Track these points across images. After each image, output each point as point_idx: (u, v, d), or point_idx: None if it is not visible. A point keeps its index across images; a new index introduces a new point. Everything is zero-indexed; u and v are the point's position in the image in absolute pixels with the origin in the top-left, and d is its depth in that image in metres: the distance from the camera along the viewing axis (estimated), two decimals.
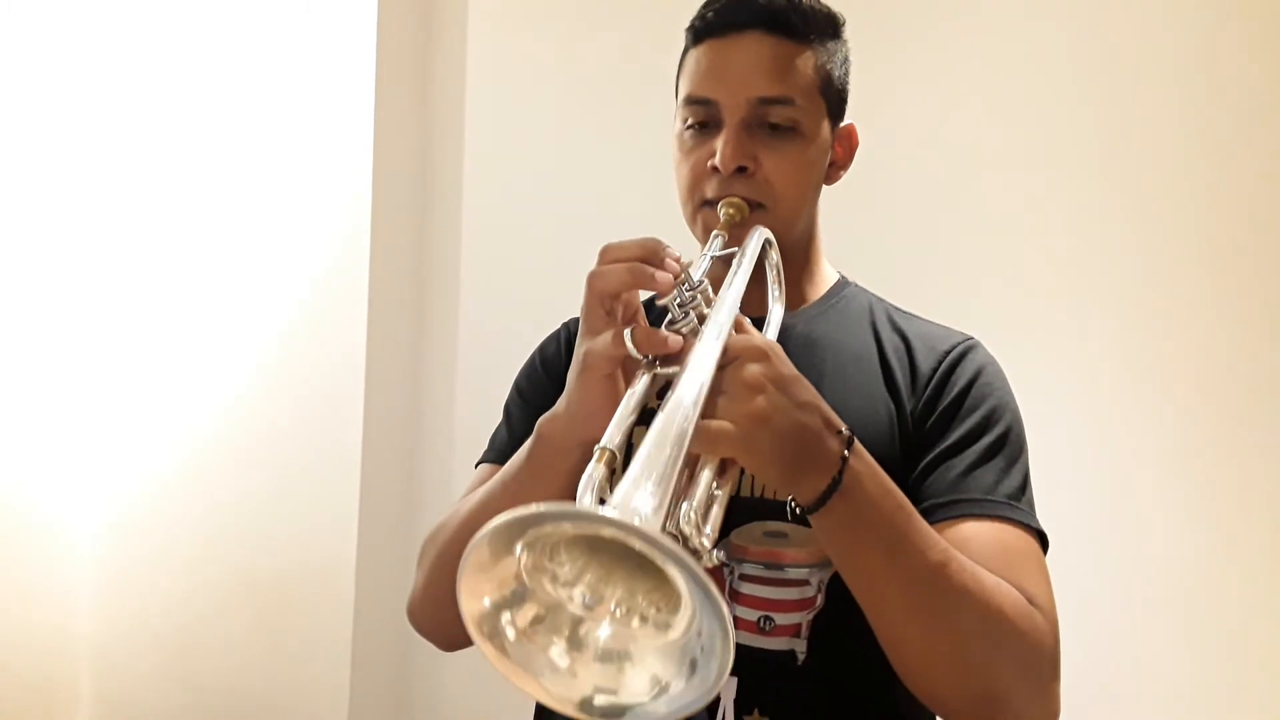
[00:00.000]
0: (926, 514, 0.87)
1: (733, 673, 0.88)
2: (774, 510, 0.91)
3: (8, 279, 1.98)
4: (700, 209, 0.97)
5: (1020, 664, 0.79)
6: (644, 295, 0.83)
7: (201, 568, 2.02)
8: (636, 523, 0.52)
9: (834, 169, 1.02)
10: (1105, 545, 1.59)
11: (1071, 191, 1.65)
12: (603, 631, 0.60)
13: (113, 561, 2.10)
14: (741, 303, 0.95)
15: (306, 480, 1.93)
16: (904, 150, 1.73)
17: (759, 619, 0.90)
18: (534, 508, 0.52)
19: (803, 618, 0.90)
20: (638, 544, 0.53)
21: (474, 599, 0.58)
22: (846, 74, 1.01)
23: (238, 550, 1.99)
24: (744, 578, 0.91)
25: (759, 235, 0.92)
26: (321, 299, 1.95)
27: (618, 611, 0.60)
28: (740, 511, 0.92)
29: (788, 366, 0.74)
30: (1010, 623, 0.78)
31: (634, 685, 0.59)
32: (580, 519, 0.56)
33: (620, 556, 0.58)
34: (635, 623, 0.60)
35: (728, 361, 0.71)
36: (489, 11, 2.04)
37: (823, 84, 0.96)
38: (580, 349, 0.80)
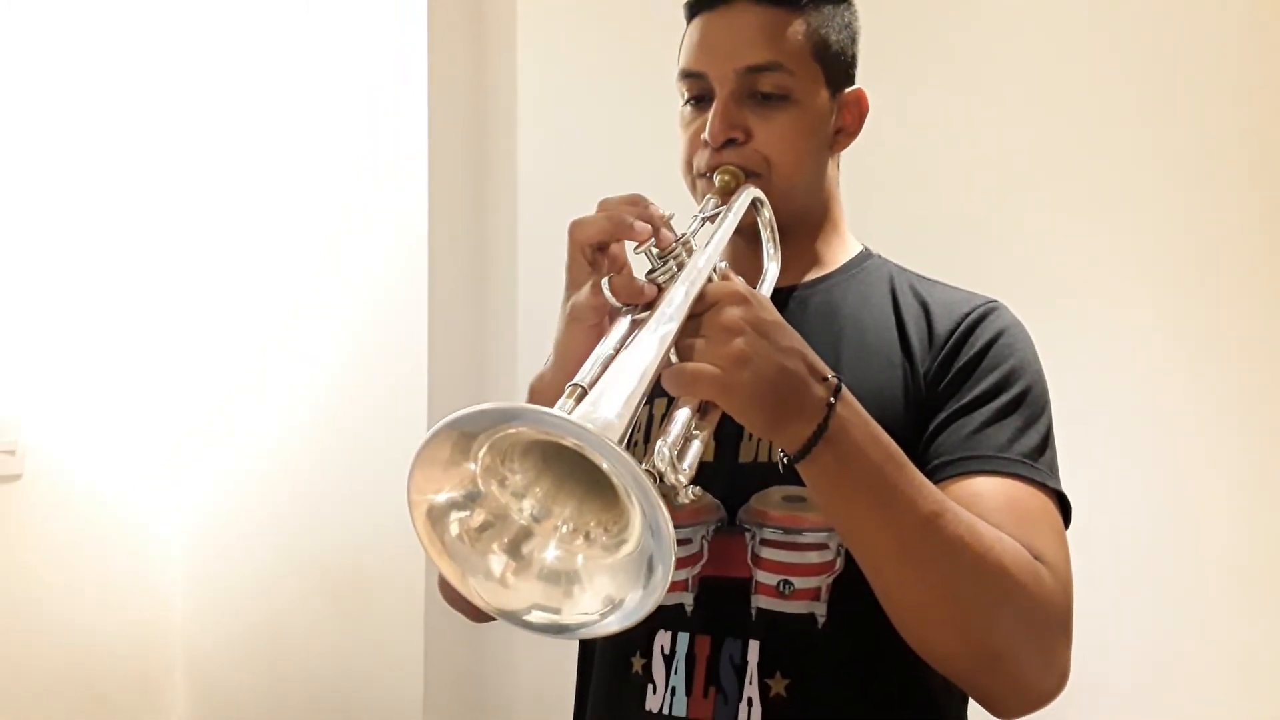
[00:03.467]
0: (936, 471, 0.87)
1: (754, 636, 0.91)
2: (794, 475, 0.92)
3: (109, 296, 2.10)
4: (697, 181, 0.98)
5: (1021, 620, 0.78)
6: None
7: (283, 561, 2.11)
8: (571, 416, 0.54)
9: (841, 135, 1.02)
10: (1164, 523, 1.55)
11: (1124, 158, 1.61)
12: (549, 552, 0.62)
13: (201, 559, 2.22)
14: (743, 273, 0.97)
15: (377, 479, 2.00)
16: (953, 120, 1.71)
17: (779, 583, 0.91)
18: (480, 406, 0.55)
19: (822, 581, 0.90)
20: (569, 442, 0.55)
21: (425, 491, 0.60)
22: (850, 39, 1.00)
23: (316, 544, 2.08)
24: (764, 542, 0.92)
25: (747, 193, 0.93)
26: (385, 315, 2.02)
27: (564, 528, 0.62)
28: (759, 476, 0.93)
29: (769, 312, 0.74)
30: (1010, 577, 0.77)
31: (583, 605, 0.61)
32: (522, 417, 0.57)
33: (571, 474, 0.60)
34: (580, 541, 0.62)
35: (707, 307, 0.72)
36: (538, 13, 2.08)
37: (816, 49, 0.96)
38: (565, 302, 0.82)
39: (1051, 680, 0.81)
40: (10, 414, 1.91)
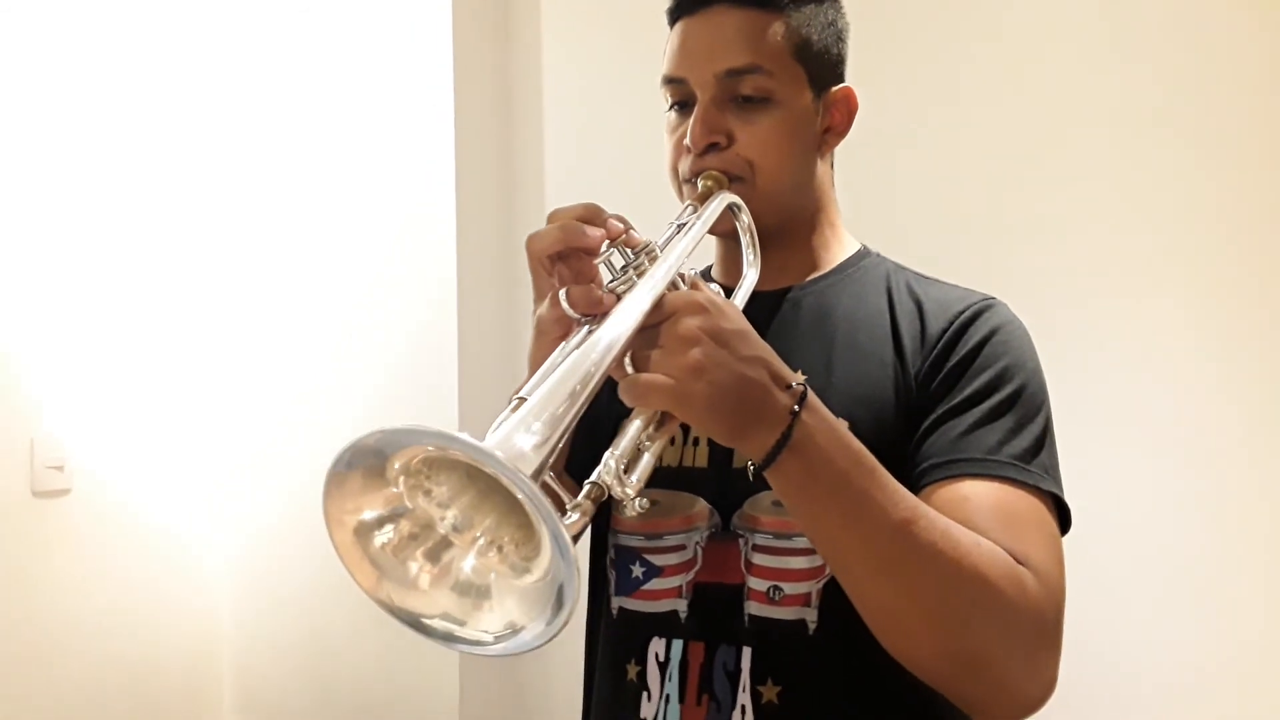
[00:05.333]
0: (925, 474, 0.85)
1: (745, 642, 0.91)
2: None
3: (158, 318, 2.17)
4: (683, 187, 0.98)
5: (1002, 627, 0.76)
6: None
7: (325, 578, 2.15)
8: (462, 436, 0.54)
9: (829, 135, 1.01)
10: (1195, 525, 1.51)
11: (1147, 151, 1.57)
12: (467, 563, 0.63)
13: (247, 575, 2.27)
14: (735, 279, 0.97)
15: None
16: (971, 110, 1.69)
17: (769, 588, 0.90)
18: (391, 427, 0.56)
19: (812, 587, 0.89)
20: (460, 455, 0.56)
21: (348, 509, 0.61)
22: (835, 37, 0.99)
23: None
24: (756, 548, 0.92)
25: (719, 199, 0.92)
26: (419, 336, 2.06)
27: (483, 540, 0.62)
28: (751, 481, 0.92)
29: (730, 321, 0.73)
30: (988, 583, 0.75)
31: (485, 624, 0.61)
32: (420, 440, 0.58)
33: (494, 488, 0.60)
34: (494, 555, 0.62)
35: (665, 316, 0.71)
36: (564, 11, 2.10)
37: (797, 50, 0.95)
38: (533, 315, 0.83)
39: (1036, 687, 0.79)
40: (58, 430, 1.98)
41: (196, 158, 2.27)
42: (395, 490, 0.61)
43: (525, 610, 0.60)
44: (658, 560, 0.96)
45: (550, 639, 0.57)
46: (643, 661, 0.94)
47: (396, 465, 0.59)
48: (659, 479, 0.96)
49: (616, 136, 2.00)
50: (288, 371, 2.24)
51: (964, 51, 1.70)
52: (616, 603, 0.99)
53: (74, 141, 2.04)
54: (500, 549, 0.62)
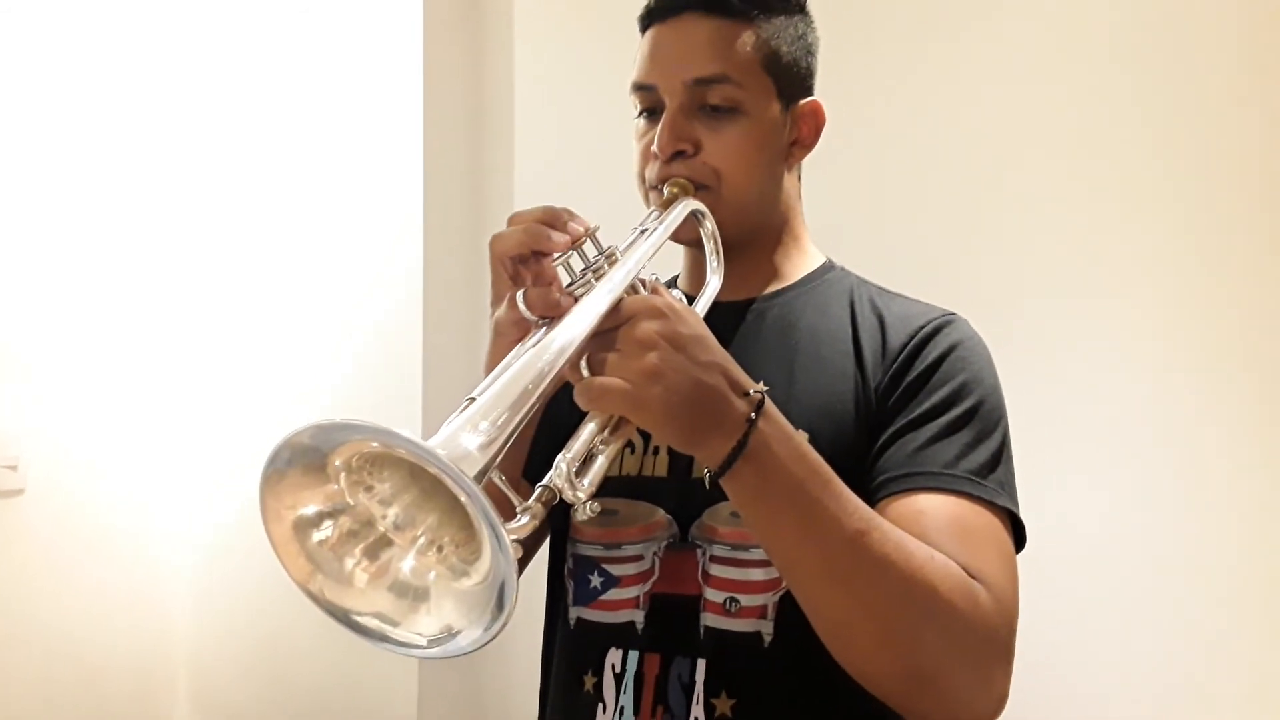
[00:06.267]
0: (881, 487, 0.86)
1: (700, 654, 0.90)
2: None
3: (110, 311, 2.13)
4: (650, 194, 0.98)
5: (951, 642, 0.76)
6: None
7: (283, 578, 2.09)
8: (403, 433, 0.54)
9: (796, 148, 1.01)
10: (1171, 537, 1.52)
11: (1124, 154, 1.58)
12: (406, 562, 0.62)
13: (203, 575, 2.24)
14: (699, 287, 0.97)
15: None
16: (940, 112, 1.70)
17: (725, 600, 0.90)
18: (323, 421, 0.55)
19: (768, 599, 0.89)
20: (404, 452, 0.55)
21: (288, 503, 0.60)
22: (805, 51, 0.99)
23: None
24: (714, 559, 0.92)
25: (683, 205, 0.92)
26: (382, 332, 2.04)
27: (423, 539, 0.62)
28: (712, 491, 0.92)
29: (688, 326, 0.72)
30: (940, 597, 0.75)
31: (420, 626, 0.60)
32: (356, 433, 0.57)
33: (437, 487, 0.60)
34: (433, 555, 0.61)
35: (623, 320, 0.71)
36: (535, 14, 2.09)
37: (766, 61, 0.95)
38: (491, 317, 0.82)
39: (988, 703, 0.79)
40: (12, 429, 1.94)
41: (159, 152, 2.24)
42: (336, 487, 0.60)
43: (463, 614, 0.59)
44: (616, 570, 0.96)
45: (485, 644, 0.57)
46: (599, 673, 0.94)
47: (337, 461, 0.59)
48: (618, 488, 0.96)
49: (587, 139, 1.99)
50: (249, 369, 2.21)
51: (937, 61, 1.71)
52: (574, 613, 0.98)
53: (36, 136, 2.00)
54: (440, 549, 0.61)
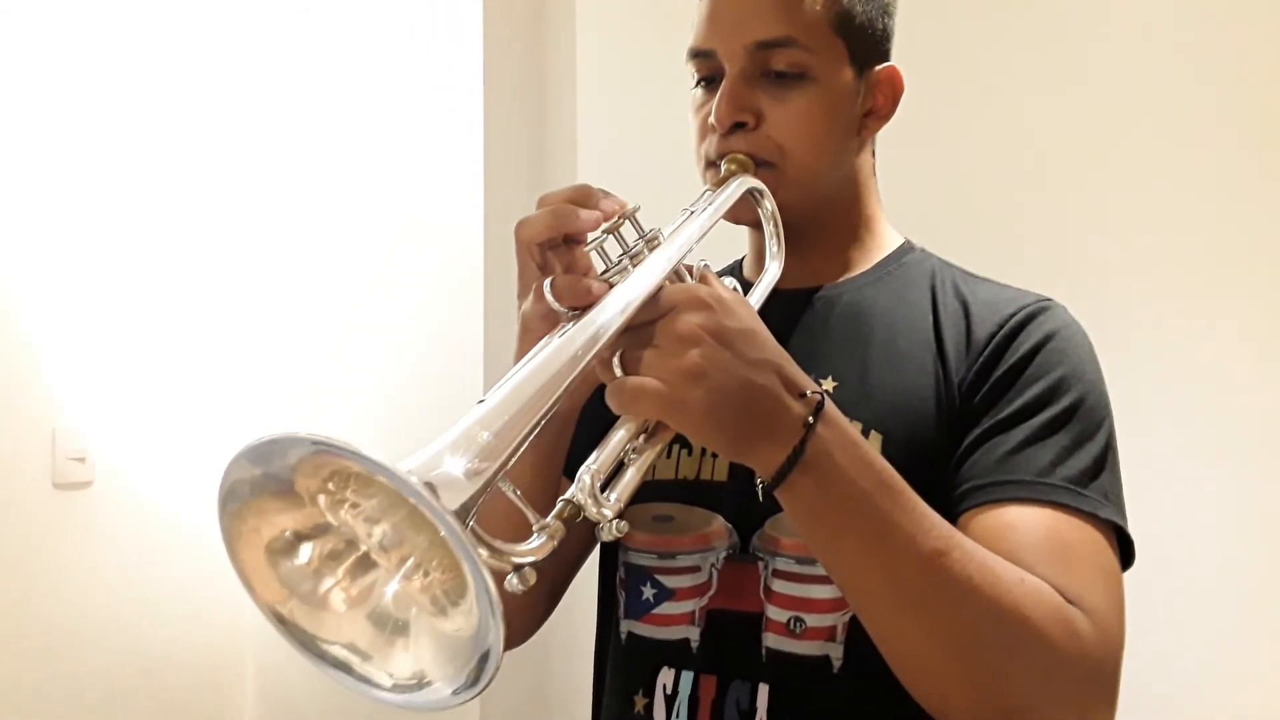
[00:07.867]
0: (966, 496, 0.76)
1: (762, 679, 0.82)
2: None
3: (177, 308, 2.14)
4: (707, 171, 0.89)
5: (1044, 678, 0.66)
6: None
7: None
8: (392, 466, 0.46)
9: (870, 118, 0.90)
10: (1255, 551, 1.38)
11: (1210, 146, 1.44)
12: (390, 587, 0.54)
13: None
14: (757, 270, 0.88)
15: None
16: (1031, 92, 1.57)
17: (789, 620, 0.81)
18: (283, 434, 0.49)
19: (838, 619, 0.80)
20: (383, 477, 0.48)
21: (257, 527, 0.53)
22: (880, 11, 0.89)
23: None
24: (777, 574, 0.83)
25: (737, 183, 0.83)
26: (442, 329, 1.99)
27: (412, 559, 0.54)
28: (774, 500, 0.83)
29: (738, 319, 0.64)
30: (1031, 626, 0.65)
31: (391, 665, 0.53)
32: (345, 455, 0.49)
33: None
34: (419, 581, 0.53)
35: (662, 312, 0.63)
36: (597, 9, 2.02)
37: (837, 22, 0.85)
38: (518, 311, 0.75)
39: None
40: (80, 422, 1.95)
41: (221, 153, 2.24)
42: (314, 507, 0.53)
43: (440, 662, 0.52)
44: (670, 582, 0.88)
45: (448, 708, 0.49)
46: (650, 694, 0.86)
47: (307, 482, 0.51)
48: (674, 492, 0.88)
49: (651, 129, 1.91)
50: (310, 367, 2.20)
51: (1021, 38, 1.58)
52: (625, 626, 0.90)
53: (102, 138, 2.02)
54: (428, 574, 0.54)
